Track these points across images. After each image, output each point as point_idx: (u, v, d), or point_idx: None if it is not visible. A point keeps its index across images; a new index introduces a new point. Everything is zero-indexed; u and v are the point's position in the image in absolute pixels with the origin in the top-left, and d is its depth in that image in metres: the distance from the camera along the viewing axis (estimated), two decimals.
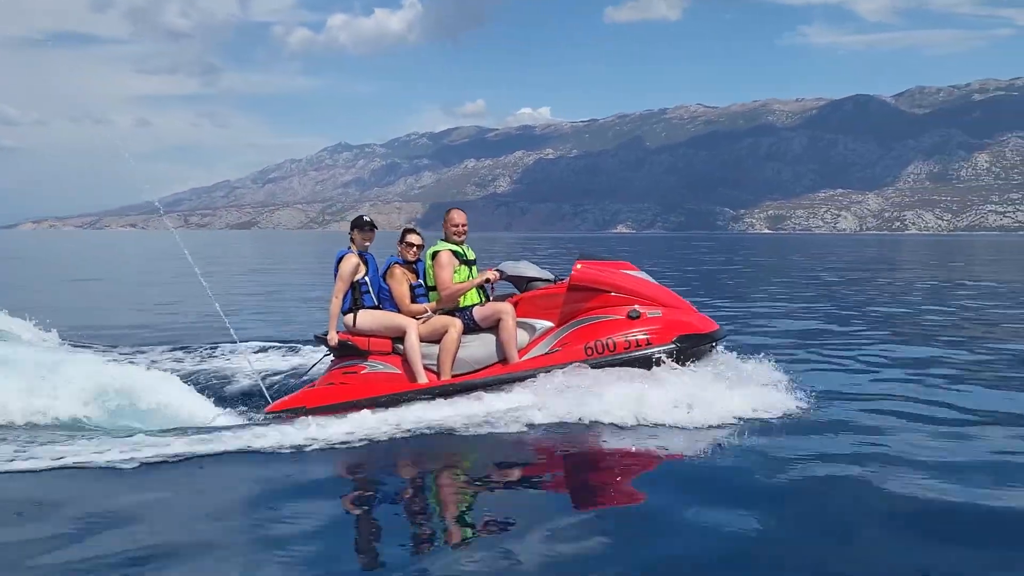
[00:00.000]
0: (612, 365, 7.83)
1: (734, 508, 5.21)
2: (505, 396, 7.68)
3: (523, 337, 8.15)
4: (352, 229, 8.37)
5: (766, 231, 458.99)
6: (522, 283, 8.54)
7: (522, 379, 7.85)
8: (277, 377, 9.70)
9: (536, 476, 6.30)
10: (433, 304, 8.26)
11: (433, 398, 7.82)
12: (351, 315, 8.13)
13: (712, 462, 6.30)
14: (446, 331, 8.00)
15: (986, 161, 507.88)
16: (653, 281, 8.54)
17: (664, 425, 7.10)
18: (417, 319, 8.12)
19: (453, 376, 8.04)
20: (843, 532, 4.89)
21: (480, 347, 8.12)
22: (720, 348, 8.38)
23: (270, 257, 58.18)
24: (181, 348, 12.06)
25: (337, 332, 8.09)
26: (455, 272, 8.21)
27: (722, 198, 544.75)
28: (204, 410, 8.12)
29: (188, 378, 9.23)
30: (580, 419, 7.18)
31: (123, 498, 5.56)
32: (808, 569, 4.43)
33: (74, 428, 7.50)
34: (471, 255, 8.47)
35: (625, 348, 7.86)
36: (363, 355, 8.12)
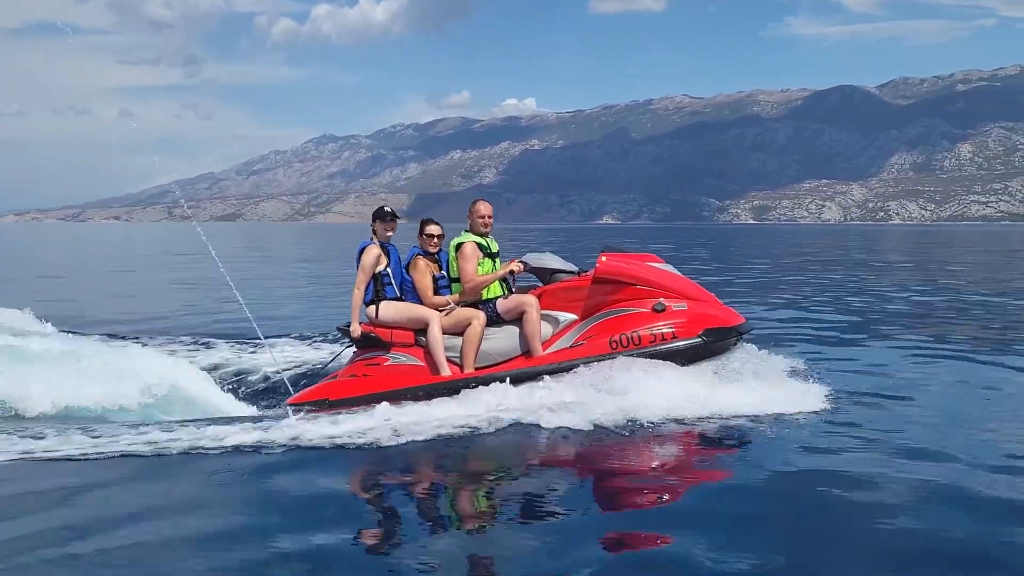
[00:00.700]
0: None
1: (767, 513, 5.12)
2: (530, 392, 7.59)
3: (547, 330, 8.07)
4: (374, 220, 8.30)
5: (751, 222, 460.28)
6: (545, 275, 8.45)
7: (546, 372, 7.79)
8: (299, 369, 9.69)
9: (556, 475, 6.17)
10: (456, 296, 8.17)
11: (456, 391, 7.75)
12: (373, 307, 8.06)
13: (754, 461, 6.19)
14: (469, 323, 7.93)
15: (969, 151, 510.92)
16: (679, 273, 8.43)
17: (695, 421, 7.04)
18: (440, 311, 8.05)
19: (476, 369, 7.96)
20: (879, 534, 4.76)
21: (503, 340, 8.05)
22: (745, 342, 8.31)
23: (260, 248, 58.03)
24: (202, 341, 12.01)
25: (359, 324, 8.06)
26: (479, 264, 8.11)
27: (707, 189, 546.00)
28: (225, 402, 8.08)
29: (208, 370, 9.22)
30: (609, 417, 7.04)
31: (141, 490, 5.52)
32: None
33: (93, 419, 7.48)
34: (495, 247, 8.39)
35: (650, 341, 7.76)
36: (385, 347, 8.07)
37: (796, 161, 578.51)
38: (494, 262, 8.30)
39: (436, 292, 8.19)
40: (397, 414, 7.26)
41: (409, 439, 6.70)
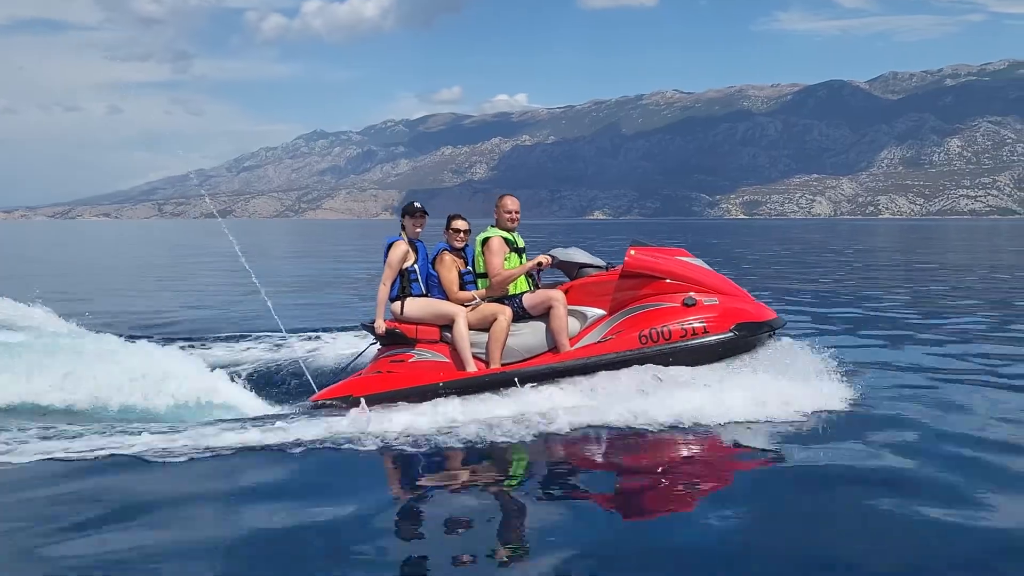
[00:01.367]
0: (667, 354, 7.56)
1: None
2: (560, 391, 7.46)
3: (574, 325, 7.91)
4: (402, 216, 8.17)
5: (742, 216, 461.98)
6: (572, 270, 8.28)
7: (574, 368, 7.62)
8: (322, 365, 9.51)
9: (577, 477, 6.02)
10: (482, 291, 8.04)
11: (483, 387, 7.62)
12: (398, 303, 7.95)
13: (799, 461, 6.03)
14: (495, 319, 7.79)
15: (958, 146, 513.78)
16: (708, 268, 8.24)
17: (737, 424, 6.85)
18: (466, 306, 7.93)
19: (502, 365, 7.82)
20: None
21: (530, 335, 7.90)
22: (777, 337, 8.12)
23: (257, 246, 58.10)
24: (223, 337, 11.90)
25: (384, 320, 7.95)
26: (505, 259, 7.99)
27: (698, 184, 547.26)
28: (248, 400, 8.00)
29: (229, 367, 9.06)
30: (638, 420, 6.86)
31: (165, 491, 5.47)
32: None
33: (110, 418, 7.40)
34: (521, 243, 8.26)
35: (681, 336, 7.56)
36: (410, 343, 7.96)
37: (786, 156, 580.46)
38: (521, 257, 8.17)
39: (462, 287, 8.08)
40: (418, 412, 7.16)
41: (432, 438, 6.59)
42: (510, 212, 8.14)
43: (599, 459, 6.32)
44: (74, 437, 6.67)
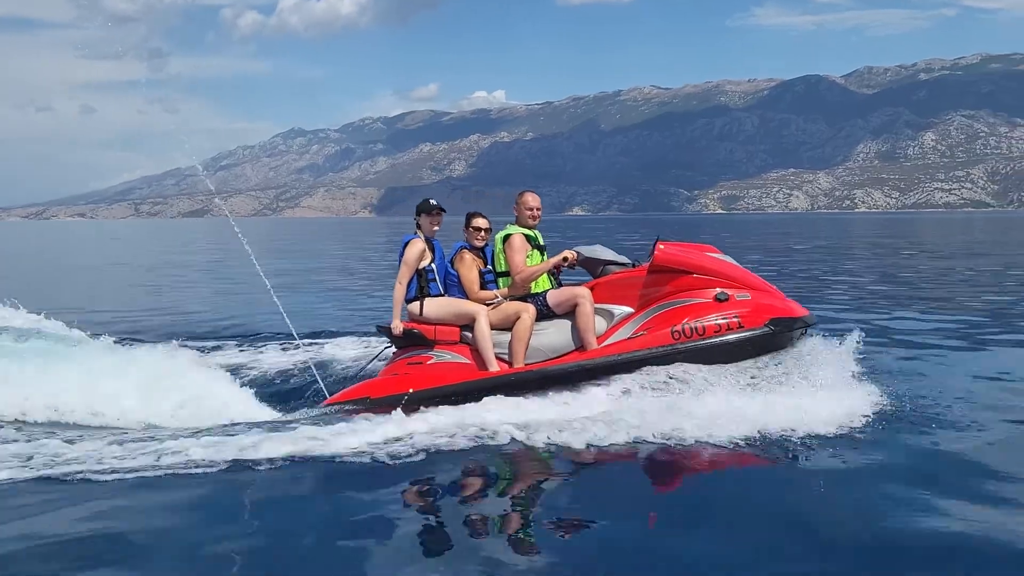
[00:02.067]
0: (702, 350, 7.30)
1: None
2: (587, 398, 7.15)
3: (600, 324, 7.61)
4: (418, 214, 7.87)
5: (720, 211, 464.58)
6: (596, 267, 7.98)
7: (604, 366, 7.34)
8: (333, 370, 9.24)
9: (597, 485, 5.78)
10: (504, 290, 7.77)
11: (506, 387, 7.32)
12: (416, 303, 7.67)
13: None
14: (518, 318, 7.51)
15: (932, 140, 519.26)
16: (737, 264, 8.00)
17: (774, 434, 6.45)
18: (487, 305, 7.67)
19: (526, 365, 7.53)
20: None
21: (555, 334, 7.61)
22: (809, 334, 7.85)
23: (238, 246, 57.80)
24: (229, 341, 11.61)
25: (401, 321, 7.68)
26: (527, 257, 7.73)
27: (676, 179, 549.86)
28: (258, 406, 7.80)
29: (235, 372, 8.84)
30: (674, 433, 6.39)
31: (174, 504, 5.23)
32: None
33: (119, 428, 7.04)
34: (541, 240, 8.00)
35: (715, 332, 7.32)
36: (429, 344, 7.67)
37: (763, 150, 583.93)
38: (542, 254, 7.92)
39: (483, 287, 7.79)
40: (436, 415, 6.88)
41: (450, 442, 6.31)
42: (531, 209, 7.91)
43: (627, 466, 6.01)
44: (75, 448, 6.27)
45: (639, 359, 7.34)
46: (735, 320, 7.36)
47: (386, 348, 8.30)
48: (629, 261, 8.06)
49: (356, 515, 5.09)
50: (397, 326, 7.59)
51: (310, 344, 10.65)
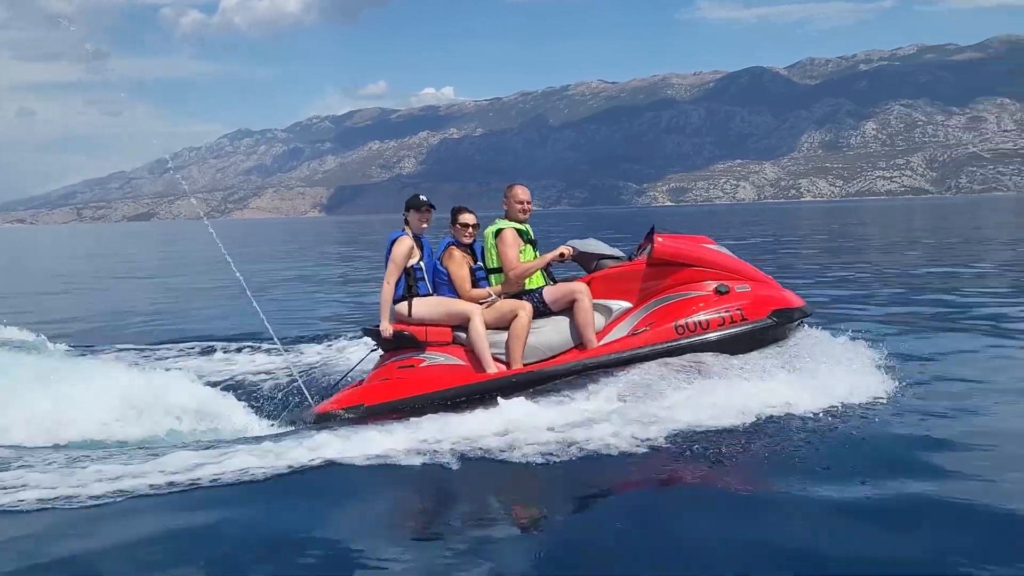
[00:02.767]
0: (706, 345, 7.18)
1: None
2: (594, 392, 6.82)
3: (599, 320, 7.45)
4: (407, 210, 7.57)
5: (669, 203, 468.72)
6: (590, 262, 7.82)
7: (607, 364, 7.15)
8: (317, 375, 8.98)
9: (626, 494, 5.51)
10: (498, 288, 7.54)
11: (506, 389, 7.03)
12: (404, 303, 7.36)
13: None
14: (514, 316, 7.26)
15: (873, 129, 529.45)
16: (732, 254, 7.91)
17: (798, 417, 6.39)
18: (480, 304, 7.41)
19: (525, 365, 7.31)
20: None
21: (552, 332, 7.40)
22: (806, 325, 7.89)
23: (175, 252, 57.19)
24: (206, 348, 11.24)
25: (390, 322, 7.34)
26: (520, 252, 7.53)
27: (625, 173, 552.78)
28: (244, 417, 7.48)
29: (217, 383, 8.51)
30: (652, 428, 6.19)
31: (158, 525, 4.93)
32: None
33: (92, 446, 6.64)
34: (532, 234, 7.79)
35: (719, 325, 7.23)
36: (420, 346, 7.35)
37: (710, 142, 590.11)
38: (534, 249, 7.71)
39: (474, 285, 7.54)
40: (434, 419, 6.56)
41: (452, 449, 6.01)
42: (522, 202, 7.66)
43: (634, 465, 5.72)
44: (51, 466, 5.93)
45: (643, 356, 7.16)
46: (738, 312, 7.27)
47: (372, 351, 8.00)
48: (624, 254, 7.89)
49: (358, 522, 4.94)
50: (387, 328, 7.28)
51: (290, 348, 10.24)
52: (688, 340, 7.19)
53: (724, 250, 7.90)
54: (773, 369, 6.91)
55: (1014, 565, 4.04)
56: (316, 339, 11.42)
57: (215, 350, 11.00)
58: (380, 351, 7.67)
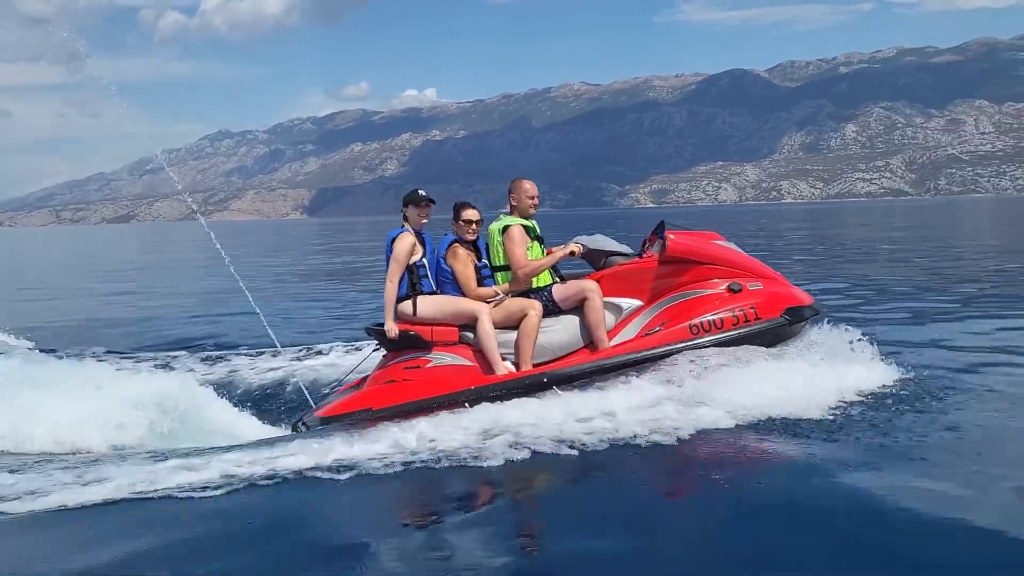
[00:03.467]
0: (721, 344, 7.09)
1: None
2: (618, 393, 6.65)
3: (608, 319, 7.28)
4: (406, 205, 7.33)
5: (651, 205, 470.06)
6: (599, 259, 7.64)
7: (621, 364, 7.02)
8: (317, 378, 8.85)
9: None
10: (505, 286, 7.31)
11: (518, 391, 6.87)
12: (408, 302, 7.11)
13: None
14: (524, 315, 7.05)
15: (853, 131, 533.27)
16: (742, 251, 7.80)
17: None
18: (488, 303, 7.18)
19: (535, 365, 7.11)
20: None
21: (562, 331, 7.21)
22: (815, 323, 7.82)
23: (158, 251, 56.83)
24: (199, 351, 11.15)
25: (394, 322, 7.10)
26: (527, 249, 7.30)
27: (607, 174, 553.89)
28: (246, 422, 7.34)
29: (216, 386, 8.32)
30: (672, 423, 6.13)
31: (163, 532, 4.78)
32: None
33: (96, 453, 6.49)
34: (538, 230, 7.57)
35: (734, 324, 7.14)
36: (425, 347, 7.13)
37: (692, 144, 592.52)
38: (541, 246, 7.50)
39: (479, 283, 7.29)
40: (447, 420, 6.41)
41: (467, 449, 5.85)
42: (532, 198, 7.45)
43: (645, 462, 5.61)
44: (49, 473, 5.78)
45: (658, 356, 7.05)
46: (752, 311, 7.19)
47: (374, 351, 7.82)
48: (632, 251, 7.73)
49: (362, 526, 4.85)
50: (392, 328, 7.03)
51: (289, 350, 10.08)
52: (704, 340, 7.08)
53: (734, 247, 7.78)
54: (781, 366, 6.83)
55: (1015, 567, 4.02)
56: (315, 340, 11.35)
57: (214, 353, 10.92)
58: (383, 351, 7.48)
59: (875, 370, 7.08)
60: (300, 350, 10.40)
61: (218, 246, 8.68)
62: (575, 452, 5.74)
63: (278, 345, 8.48)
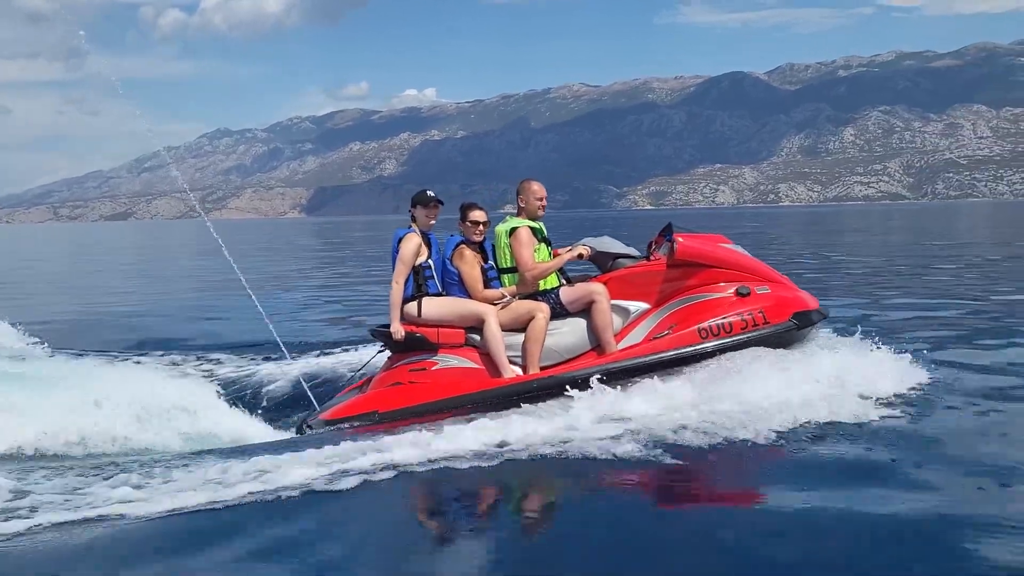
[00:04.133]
0: (730, 348, 7.04)
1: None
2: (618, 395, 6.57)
3: (616, 322, 7.23)
4: (414, 205, 7.26)
5: (649, 207, 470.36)
6: (606, 261, 7.57)
7: (630, 368, 6.94)
8: (320, 379, 8.77)
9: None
10: (512, 288, 7.24)
11: (525, 394, 6.83)
12: (414, 303, 7.03)
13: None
14: (531, 317, 6.97)
15: (851, 135, 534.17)
16: (749, 254, 7.76)
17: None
18: (495, 305, 7.11)
19: (542, 368, 7.03)
20: None
21: (569, 334, 7.16)
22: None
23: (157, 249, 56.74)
24: (200, 353, 11.04)
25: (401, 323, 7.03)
26: (535, 252, 7.24)
27: (606, 176, 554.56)
28: (245, 425, 7.24)
29: (218, 387, 8.13)
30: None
31: (165, 541, 4.64)
32: None
33: (92, 457, 6.34)
34: (545, 232, 7.52)
35: (743, 328, 7.09)
36: (431, 349, 7.07)
37: (691, 146, 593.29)
38: (548, 248, 7.44)
39: (486, 285, 7.22)
40: (452, 425, 6.26)
41: (462, 460, 5.68)
42: (541, 199, 7.41)
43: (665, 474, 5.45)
44: (56, 481, 5.59)
45: (667, 360, 7.00)
46: (760, 315, 7.16)
47: (379, 352, 7.76)
48: (640, 254, 7.68)
49: (367, 530, 4.82)
50: (398, 329, 6.96)
51: (293, 352, 9.82)
52: (712, 344, 7.04)
53: (741, 250, 7.74)
54: (787, 370, 6.77)
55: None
56: (319, 342, 11.25)
57: (217, 355, 10.82)
58: (388, 353, 7.41)
59: (891, 375, 7.02)
60: (304, 351, 10.33)
61: (222, 246, 8.63)
62: (584, 457, 5.63)
63: (282, 346, 8.39)
